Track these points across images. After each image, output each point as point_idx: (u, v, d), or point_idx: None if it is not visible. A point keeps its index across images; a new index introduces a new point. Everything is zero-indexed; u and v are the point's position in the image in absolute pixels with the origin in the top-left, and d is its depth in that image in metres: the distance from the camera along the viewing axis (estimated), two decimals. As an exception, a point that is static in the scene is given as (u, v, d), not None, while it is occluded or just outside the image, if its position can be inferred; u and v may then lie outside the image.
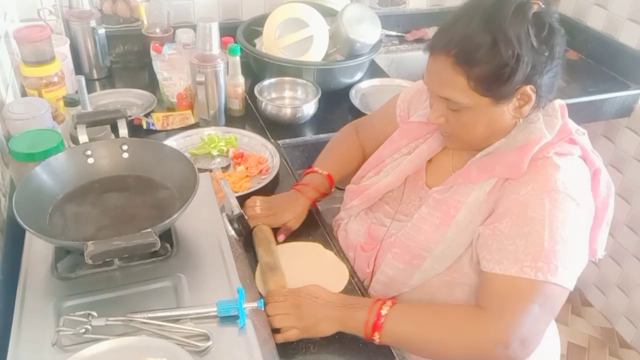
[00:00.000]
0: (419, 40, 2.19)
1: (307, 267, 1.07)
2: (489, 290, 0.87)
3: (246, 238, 1.06)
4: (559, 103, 0.97)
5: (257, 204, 1.14)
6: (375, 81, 1.83)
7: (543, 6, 0.86)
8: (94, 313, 0.73)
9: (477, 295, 0.91)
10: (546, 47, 0.86)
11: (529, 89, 0.87)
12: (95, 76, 1.72)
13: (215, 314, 0.74)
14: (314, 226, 1.19)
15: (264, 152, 1.39)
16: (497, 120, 0.92)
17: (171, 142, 1.38)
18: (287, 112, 1.57)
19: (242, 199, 1.09)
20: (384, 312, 0.89)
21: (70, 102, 1.22)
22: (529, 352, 0.85)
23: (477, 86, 0.86)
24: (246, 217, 1.05)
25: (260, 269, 1.03)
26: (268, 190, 1.28)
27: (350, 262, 1.10)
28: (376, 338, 0.89)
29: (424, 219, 0.99)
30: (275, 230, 1.12)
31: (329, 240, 1.15)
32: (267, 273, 1.00)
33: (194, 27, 1.52)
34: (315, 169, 1.23)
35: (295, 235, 1.15)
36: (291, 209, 1.14)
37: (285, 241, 1.13)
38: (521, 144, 0.92)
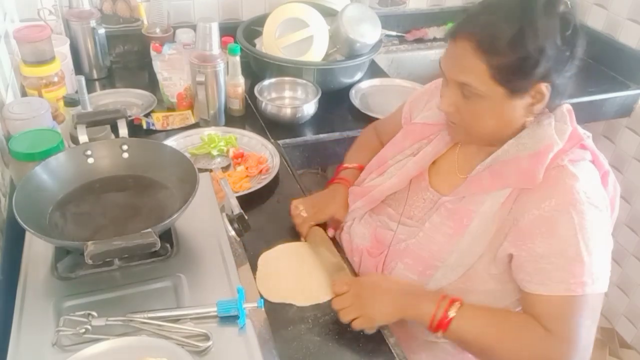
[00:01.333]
0: (419, 40, 2.19)
1: (305, 265, 1.08)
2: (540, 311, 0.87)
3: (246, 238, 1.05)
4: (567, 107, 0.96)
5: (300, 208, 1.15)
6: (375, 81, 1.83)
7: (570, 6, 0.86)
8: (94, 313, 0.73)
9: (528, 314, 0.90)
10: (568, 47, 0.86)
11: (544, 86, 0.87)
12: (95, 76, 1.72)
13: (215, 314, 0.74)
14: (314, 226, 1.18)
15: (264, 152, 1.39)
16: (507, 115, 0.90)
17: (171, 142, 1.38)
18: (287, 112, 1.57)
19: (242, 199, 1.09)
20: (451, 313, 0.89)
21: (70, 102, 1.22)
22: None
23: (496, 75, 0.85)
24: (246, 217, 1.05)
25: (326, 270, 1.04)
26: (268, 190, 1.28)
27: (354, 266, 1.10)
28: (439, 334, 0.90)
29: (436, 228, 0.98)
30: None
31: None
32: (335, 274, 1.02)
33: (194, 27, 1.52)
34: (345, 165, 1.26)
35: (294, 236, 1.15)
36: (333, 201, 1.16)
37: (283, 242, 1.13)
38: (533, 151, 0.90)
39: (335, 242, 1.15)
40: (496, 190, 0.93)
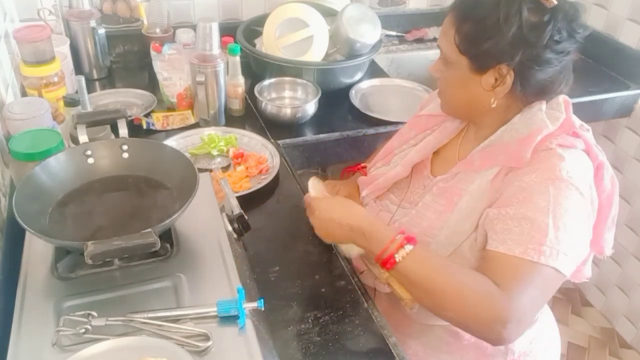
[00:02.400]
0: (419, 40, 2.19)
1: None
2: (493, 267, 0.87)
3: (246, 238, 1.05)
4: (563, 98, 0.98)
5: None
6: (375, 81, 1.83)
7: (565, 6, 0.88)
8: (94, 313, 0.73)
9: (482, 270, 0.89)
10: (537, 36, 0.86)
11: (504, 68, 0.90)
12: (95, 76, 1.72)
13: (215, 314, 0.74)
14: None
15: (264, 152, 1.39)
16: (472, 89, 0.95)
17: (171, 142, 1.38)
18: (287, 112, 1.57)
19: (242, 199, 1.09)
20: (398, 257, 0.87)
21: (70, 102, 1.22)
22: (520, 333, 0.87)
23: (459, 41, 0.91)
24: (246, 217, 1.05)
25: (362, 254, 1.02)
26: (268, 190, 1.28)
27: (356, 271, 1.11)
28: (387, 266, 0.89)
29: (427, 206, 1.02)
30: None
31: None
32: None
33: (194, 27, 1.52)
34: (363, 164, 1.29)
35: (294, 236, 1.15)
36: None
37: (284, 246, 1.13)
38: (524, 136, 0.93)
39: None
40: (485, 170, 0.96)
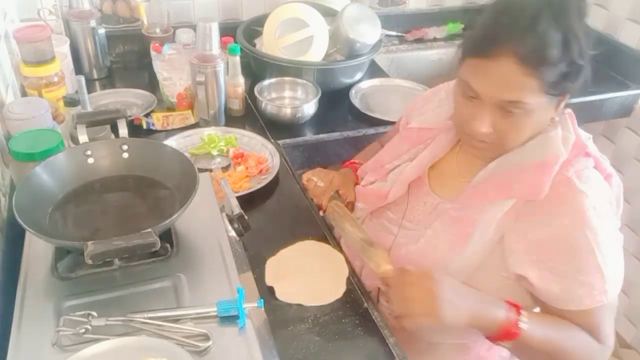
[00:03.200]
0: (419, 40, 2.19)
1: (310, 263, 1.08)
2: (581, 323, 0.89)
3: (246, 238, 1.06)
4: (568, 112, 0.95)
5: (314, 180, 1.18)
6: (375, 81, 1.83)
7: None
8: (94, 313, 0.73)
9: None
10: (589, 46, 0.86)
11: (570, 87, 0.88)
12: (95, 76, 1.72)
13: (215, 314, 0.74)
14: (314, 226, 1.19)
15: (264, 152, 1.39)
16: (542, 121, 0.90)
17: (171, 142, 1.38)
18: (287, 112, 1.57)
19: (242, 199, 1.09)
20: (523, 324, 0.83)
21: (70, 102, 1.22)
22: None
23: (547, 86, 0.83)
24: (246, 217, 1.05)
25: (355, 246, 0.99)
26: (268, 190, 1.28)
27: (357, 271, 1.08)
28: (505, 344, 0.86)
29: (438, 235, 0.97)
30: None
31: (327, 237, 1.15)
32: (368, 249, 0.96)
33: (194, 27, 1.52)
34: (352, 160, 1.28)
35: (294, 236, 1.15)
36: (344, 177, 1.21)
37: (284, 246, 1.12)
38: (539, 162, 0.89)
39: (330, 237, 1.14)
40: (500, 200, 0.92)
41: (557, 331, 0.88)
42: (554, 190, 0.88)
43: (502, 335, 0.84)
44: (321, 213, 1.13)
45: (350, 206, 1.16)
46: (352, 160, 1.29)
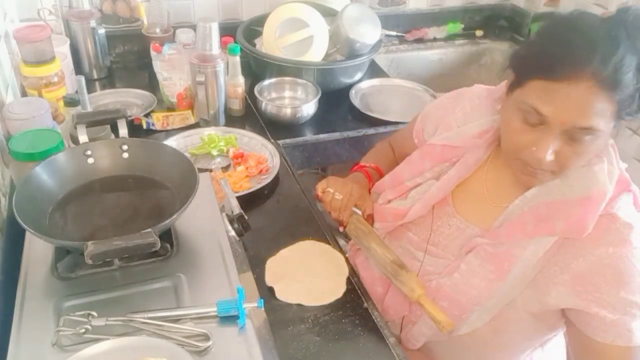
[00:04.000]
0: (419, 40, 2.19)
1: (310, 263, 1.08)
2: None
3: (246, 238, 1.06)
4: (611, 143, 0.89)
5: (331, 191, 1.09)
6: (375, 81, 1.83)
7: None
8: (94, 313, 0.73)
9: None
10: None
11: None
12: (95, 76, 1.72)
13: (215, 314, 0.74)
14: (314, 226, 1.19)
15: (264, 152, 1.39)
16: (600, 149, 0.85)
17: (171, 142, 1.39)
18: (287, 112, 1.57)
19: (242, 199, 1.09)
20: None
21: (70, 102, 1.22)
22: None
23: (619, 111, 0.77)
24: (246, 217, 1.05)
25: (385, 268, 0.98)
26: (268, 190, 1.28)
27: (377, 296, 1.04)
28: None
29: (474, 271, 0.91)
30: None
31: (327, 237, 1.15)
32: (400, 272, 0.95)
33: (194, 27, 1.52)
34: (362, 164, 1.23)
35: (294, 236, 1.15)
36: (360, 186, 1.13)
37: (284, 246, 1.12)
38: (583, 197, 0.84)
39: (330, 238, 1.14)
40: (541, 237, 0.86)
41: None
42: (598, 224, 0.83)
43: None
44: (341, 229, 1.08)
45: (370, 220, 1.08)
46: (361, 164, 1.23)
